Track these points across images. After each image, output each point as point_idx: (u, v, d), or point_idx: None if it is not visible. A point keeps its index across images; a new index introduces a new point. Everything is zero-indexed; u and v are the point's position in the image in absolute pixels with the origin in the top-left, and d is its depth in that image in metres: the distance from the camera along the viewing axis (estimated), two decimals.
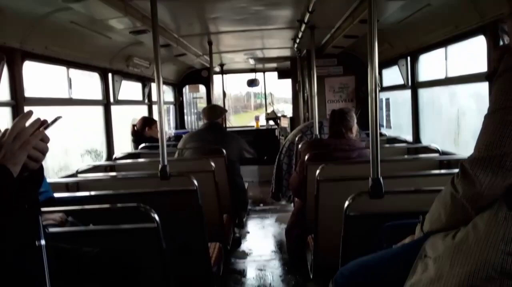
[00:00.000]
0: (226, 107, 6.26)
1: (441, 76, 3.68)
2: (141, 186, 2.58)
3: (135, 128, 4.97)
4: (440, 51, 3.65)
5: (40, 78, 3.35)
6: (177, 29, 4.19)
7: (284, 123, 7.03)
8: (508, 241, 1.17)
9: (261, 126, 8.19)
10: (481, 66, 2.94)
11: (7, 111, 2.75)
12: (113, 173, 3.55)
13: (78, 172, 3.30)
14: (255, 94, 10.47)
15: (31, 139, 1.14)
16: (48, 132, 1.22)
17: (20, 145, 1.12)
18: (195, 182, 2.50)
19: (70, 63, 3.50)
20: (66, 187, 3.02)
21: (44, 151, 1.19)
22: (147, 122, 4.98)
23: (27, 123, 1.18)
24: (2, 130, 1.18)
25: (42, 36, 2.93)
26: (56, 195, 2.38)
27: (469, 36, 3.08)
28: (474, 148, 1.28)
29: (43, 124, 1.20)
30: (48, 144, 1.21)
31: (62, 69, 3.48)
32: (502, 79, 1.23)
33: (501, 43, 2.63)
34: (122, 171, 3.57)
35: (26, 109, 2.74)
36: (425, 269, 1.34)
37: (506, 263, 1.16)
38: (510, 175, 1.20)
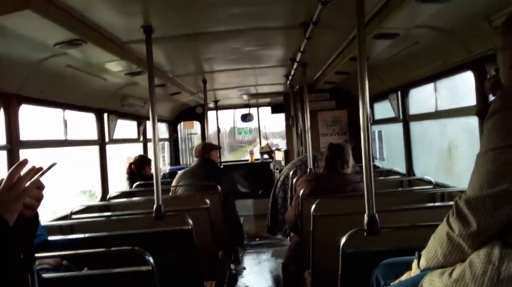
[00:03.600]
0: (221, 143, 6.29)
1: (432, 109, 3.74)
2: (136, 226, 2.56)
3: (132, 167, 4.96)
4: (430, 86, 3.73)
5: (35, 120, 3.38)
6: (172, 69, 4.27)
7: (279, 156, 7.05)
8: (504, 280, 1.18)
9: (255, 160, 8.21)
10: (470, 100, 2.99)
11: (2, 155, 2.76)
12: (108, 213, 3.52)
13: (72, 213, 3.28)
14: (238, 129, 10.52)
15: (27, 188, 1.15)
16: (43, 179, 1.23)
17: (16, 194, 1.13)
18: (190, 221, 2.49)
19: (65, 105, 3.54)
20: (60, 229, 2.99)
21: (39, 199, 1.20)
22: (145, 161, 4.99)
23: (23, 172, 1.18)
24: None
25: (38, 80, 2.97)
26: (50, 238, 2.36)
27: (457, 71, 3.15)
28: (468, 187, 1.29)
29: (38, 171, 1.21)
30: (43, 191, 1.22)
31: (57, 110, 3.51)
32: (494, 119, 1.25)
33: (486, 83, 2.68)
34: (116, 211, 3.54)
35: (22, 152, 2.78)
36: None
37: None
38: (504, 213, 1.21)
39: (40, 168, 1.21)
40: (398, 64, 3.88)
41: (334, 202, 2.86)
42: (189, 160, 7.89)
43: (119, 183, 4.90)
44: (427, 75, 3.59)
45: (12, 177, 1.15)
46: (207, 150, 4.31)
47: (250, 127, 9.79)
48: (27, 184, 1.15)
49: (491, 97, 2.70)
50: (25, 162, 1.19)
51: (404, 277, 1.60)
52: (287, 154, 6.77)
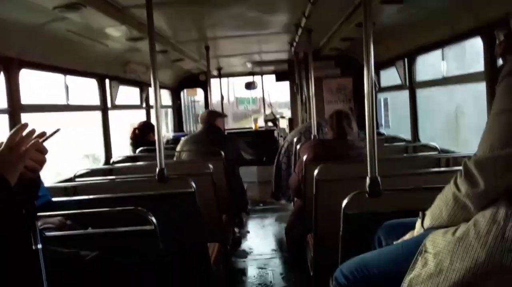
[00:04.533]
0: (226, 112, 6.28)
1: (439, 76, 3.69)
2: (139, 189, 2.58)
3: (136, 132, 4.96)
4: (437, 53, 3.67)
5: (37, 85, 3.36)
6: (173, 35, 4.21)
7: (283, 124, 7.04)
8: (509, 239, 1.18)
9: (259, 127, 8.20)
10: (478, 66, 2.94)
11: (4, 118, 2.76)
12: (111, 177, 3.55)
13: (75, 176, 3.30)
14: (239, 99, 10.41)
15: (27, 150, 1.17)
16: (47, 143, 1.23)
17: (17, 155, 1.15)
18: (193, 184, 2.51)
19: (67, 71, 3.51)
20: (64, 191, 3.02)
21: (41, 162, 1.22)
22: (149, 127, 4.98)
23: (24, 134, 1.20)
24: None
25: (39, 44, 2.94)
26: (54, 199, 2.38)
27: (465, 38, 3.10)
28: (478, 147, 1.28)
29: (42, 136, 1.22)
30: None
31: (59, 76, 3.49)
32: (507, 81, 1.24)
33: (496, 45, 2.64)
34: (120, 175, 3.56)
35: (23, 115, 2.79)
36: (425, 264, 1.34)
37: (506, 259, 1.17)
38: None
39: (44, 133, 1.23)
40: (405, 30, 3.81)
41: (337, 167, 2.86)
42: (192, 127, 7.91)
43: (123, 151, 4.91)
44: (434, 42, 3.53)
45: (12, 139, 1.17)
46: (213, 117, 4.29)
47: (253, 97, 9.68)
48: (28, 145, 1.16)
49: (500, 63, 2.66)
50: (25, 125, 1.21)
51: (407, 236, 1.62)
52: (292, 122, 6.76)
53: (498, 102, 1.25)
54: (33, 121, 1.28)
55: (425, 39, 3.65)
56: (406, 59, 4.28)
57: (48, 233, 1.87)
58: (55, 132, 1.26)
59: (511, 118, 1.21)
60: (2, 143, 1.18)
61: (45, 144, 1.24)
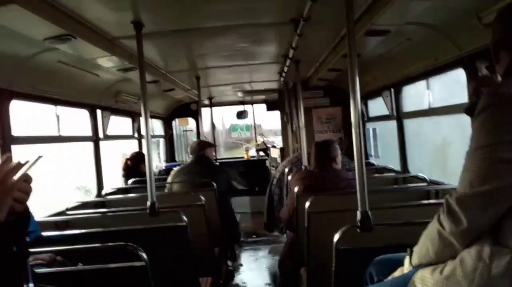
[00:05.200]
0: (217, 141, 6.30)
1: (425, 106, 3.76)
2: (131, 223, 2.56)
3: (128, 163, 4.94)
4: (423, 83, 3.75)
5: (28, 116, 3.36)
6: (164, 65, 4.26)
7: (274, 153, 7.06)
8: (495, 276, 1.19)
9: (251, 157, 8.21)
10: (463, 97, 3.01)
11: None
12: (103, 209, 3.52)
13: (67, 209, 3.27)
14: (233, 126, 10.43)
15: (15, 183, 1.14)
16: (30, 172, 1.22)
17: (4, 190, 1.12)
18: (185, 218, 2.50)
19: (58, 101, 3.51)
20: (55, 225, 2.99)
21: (28, 192, 1.19)
22: (141, 157, 4.97)
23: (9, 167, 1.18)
24: None
25: (30, 75, 2.95)
26: (45, 233, 2.36)
27: (449, 69, 3.16)
28: (459, 185, 1.29)
29: (25, 165, 1.21)
30: (32, 184, 1.22)
31: (50, 107, 3.50)
32: (483, 116, 1.25)
33: (480, 75, 2.71)
34: (112, 207, 3.54)
35: (14, 147, 2.77)
36: None
37: None
38: (495, 211, 1.22)
39: (26, 162, 1.21)
40: (390, 61, 3.89)
41: (329, 199, 2.87)
42: (184, 157, 7.88)
43: (114, 180, 4.88)
44: (419, 72, 3.60)
45: None
46: (202, 147, 4.31)
47: (247, 124, 9.74)
48: (14, 178, 1.15)
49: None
50: (10, 158, 1.18)
51: (397, 273, 1.62)
52: (283, 151, 6.78)
53: (474, 139, 1.26)
54: (24, 152, 1.27)
55: (409, 70, 3.73)
56: (392, 90, 4.36)
57: (38, 270, 1.85)
58: (37, 159, 1.23)
59: (487, 154, 1.22)
60: None
61: (29, 173, 1.21)
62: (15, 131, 2.86)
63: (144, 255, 1.82)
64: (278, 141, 9.09)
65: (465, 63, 2.81)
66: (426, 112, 3.78)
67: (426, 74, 3.54)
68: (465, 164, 1.28)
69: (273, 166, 6.88)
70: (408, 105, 4.28)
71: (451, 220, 1.28)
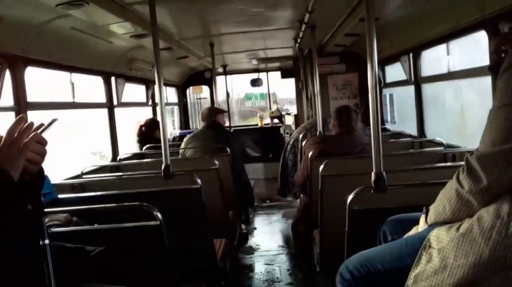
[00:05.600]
0: (231, 110, 6.29)
1: (444, 71, 3.67)
2: (146, 186, 2.59)
3: (143, 129, 4.99)
4: (442, 47, 3.64)
5: (43, 83, 3.38)
6: (178, 32, 4.21)
7: (289, 121, 7.04)
8: None
9: (265, 124, 8.20)
10: (484, 60, 2.92)
11: (10, 116, 2.78)
12: (118, 174, 3.57)
13: (83, 173, 3.33)
14: (246, 95, 10.31)
15: (27, 143, 1.15)
16: (45, 135, 1.23)
17: (17, 149, 1.13)
18: (199, 181, 2.52)
19: (72, 68, 3.53)
20: (72, 188, 3.05)
21: (42, 154, 1.20)
22: (156, 124, 5.00)
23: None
24: None
25: (44, 42, 2.95)
26: (61, 196, 2.40)
27: (470, 31, 3.07)
28: (480, 143, 1.27)
29: (39, 127, 1.22)
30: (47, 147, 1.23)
31: (64, 74, 3.51)
32: (508, 74, 1.22)
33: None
34: (127, 172, 3.59)
35: (29, 113, 2.80)
36: (429, 259, 1.34)
37: (510, 256, 1.17)
38: None
39: (42, 124, 1.22)
40: (409, 25, 3.79)
41: (343, 163, 2.86)
42: (198, 124, 7.91)
43: (130, 147, 4.94)
44: (439, 36, 3.50)
45: (11, 133, 1.15)
46: (213, 113, 4.31)
47: (262, 92, 9.64)
48: (28, 138, 1.16)
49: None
50: (23, 118, 1.19)
51: (411, 232, 1.61)
52: (297, 118, 6.75)
53: (499, 97, 1.23)
54: (39, 120, 1.27)
55: (429, 33, 3.63)
56: (411, 54, 4.26)
57: (54, 229, 1.89)
58: (52, 122, 1.23)
59: (510, 113, 1.19)
60: (1, 137, 1.16)
61: (47, 136, 1.22)
62: (31, 98, 2.89)
63: (159, 215, 1.84)
64: (293, 109, 9.05)
65: (487, 25, 2.72)
66: (445, 76, 3.70)
67: (446, 37, 3.45)
68: (488, 122, 1.26)
69: (287, 133, 6.87)
70: (426, 70, 4.19)
71: (470, 178, 1.27)
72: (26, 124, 1.18)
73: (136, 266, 1.65)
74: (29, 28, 2.73)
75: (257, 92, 9.79)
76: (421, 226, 1.55)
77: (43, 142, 1.20)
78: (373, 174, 2.08)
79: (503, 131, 1.20)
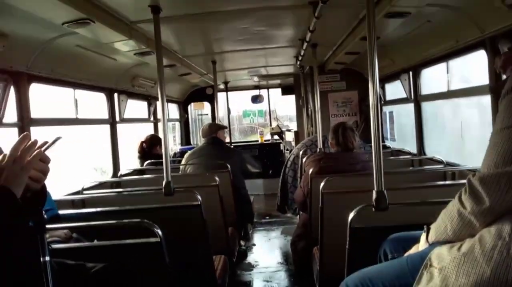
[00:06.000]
0: (232, 126, 6.31)
1: (443, 89, 3.70)
2: (146, 202, 2.60)
3: (144, 145, 5.00)
4: (442, 66, 3.68)
5: (47, 99, 3.41)
6: (181, 50, 4.27)
7: (289, 137, 7.06)
8: None
9: (265, 140, 8.22)
10: (483, 79, 2.95)
11: (14, 132, 2.80)
12: (119, 189, 3.58)
13: (83, 189, 3.33)
14: (244, 112, 10.26)
15: (30, 160, 1.16)
16: (49, 153, 1.24)
17: (21, 167, 1.15)
18: (199, 197, 2.52)
19: (76, 85, 3.57)
20: (72, 204, 3.05)
21: (45, 172, 1.21)
22: (156, 140, 5.02)
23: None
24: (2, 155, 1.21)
25: (48, 59, 2.99)
26: (62, 212, 2.40)
27: (469, 51, 3.11)
28: (482, 165, 1.28)
29: (43, 145, 1.23)
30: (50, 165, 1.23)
31: (68, 90, 3.54)
32: (510, 97, 1.23)
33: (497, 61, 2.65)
34: (127, 187, 3.59)
35: (33, 129, 2.82)
36: (430, 279, 1.33)
37: (511, 276, 1.16)
38: None
39: (45, 142, 1.23)
40: (409, 44, 3.83)
41: (343, 180, 2.86)
42: (199, 140, 7.94)
43: (130, 163, 4.94)
44: (439, 55, 3.55)
45: (15, 150, 1.17)
46: (214, 129, 4.32)
47: (260, 109, 9.64)
48: (31, 156, 1.17)
49: (504, 77, 2.67)
50: (27, 136, 1.20)
51: (412, 250, 1.61)
52: (297, 135, 6.77)
53: (501, 118, 1.24)
54: (42, 136, 1.29)
55: (429, 52, 3.67)
56: (410, 72, 4.30)
57: (54, 246, 1.88)
58: (56, 140, 1.26)
59: None
60: (5, 155, 1.18)
61: (50, 153, 1.24)
62: (34, 114, 2.91)
63: (159, 232, 1.84)
64: (293, 126, 9.08)
65: (487, 45, 2.76)
66: (444, 94, 3.72)
67: (446, 56, 3.48)
68: (490, 144, 1.27)
69: (287, 150, 6.88)
70: (426, 89, 4.22)
71: (473, 199, 1.27)
72: (30, 142, 1.19)
73: (136, 283, 1.64)
74: (35, 46, 2.77)
75: (255, 109, 9.80)
76: (422, 245, 1.55)
77: (46, 160, 1.22)
78: (374, 192, 2.08)
79: (505, 153, 1.21)
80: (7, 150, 1.21)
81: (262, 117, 10.29)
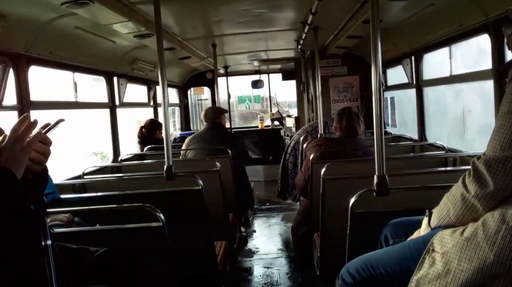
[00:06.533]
0: (232, 112, 6.28)
1: (446, 74, 3.67)
2: (147, 187, 2.59)
3: (143, 130, 4.99)
4: (444, 51, 3.64)
5: (46, 82, 3.39)
6: (181, 32, 4.22)
7: (290, 123, 7.04)
8: None
9: (265, 126, 8.20)
10: (486, 63, 2.93)
11: (13, 115, 2.79)
12: (119, 174, 3.57)
13: (84, 174, 3.33)
14: (239, 97, 9.93)
15: (31, 141, 1.15)
16: (52, 136, 1.23)
17: (21, 147, 1.13)
18: (201, 182, 2.51)
19: (75, 68, 3.54)
20: (73, 188, 3.05)
21: (46, 154, 1.20)
22: (156, 124, 5.01)
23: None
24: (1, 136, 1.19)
25: (47, 41, 2.96)
26: (63, 196, 2.40)
27: (473, 35, 3.08)
28: (488, 147, 1.27)
29: (45, 127, 1.21)
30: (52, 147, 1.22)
31: (68, 73, 3.52)
32: None
33: (505, 40, 2.62)
34: (128, 172, 3.59)
35: (32, 113, 2.81)
36: (432, 263, 1.34)
37: None
38: None
39: (47, 124, 1.22)
40: (412, 28, 3.79)
41: (344, 166, 2.85)
42: (199, 125, 7.94)
43: (130, 148, 4.94)
44: (441, 39, 3.50)
45: (15, 131, 1.15)
46: (218, 114, 4.28)
47: (256, 95, 9.47)
48: (31, 137, 1.16)
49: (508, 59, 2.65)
50: (27, 117, 1.18)
51: (414, 235, 1.61)
52: (298, 121, 6.75)
53: (508, 100, 1.23)
54: (42, 119, 1.27)
55: (432, 36, 3.63)
56: (412, 57, 4.26)
57: (56, 230, 1.89)
58: (58, 122, 1.24)
59: None
60: (5, 136, 1.17)
61: (50, 136, 1.22)
62: (34, 97, 2.89)
63: (162, 216, 1.84)
64: (293, 112, 9.04)
65: (491, 28, 2.73)
66: (447, 79, 3.69)
67: (449, 40, 3.44)
68: (496, 127, 1.26)
69: (287, 136, 6.87)
70: (428, 74, 4.19)
71: (477, 183, 1.27)
72: (30, 122, 1.18)
73: (138, 267, 1.65)
74: (34, 27, 2.73)
75: (251, 95, 9.62)
76: (423, 229, 1.55)
77: (47, 142, 1.20)
78: (375, 177, 2.08)
79: (511, 136, 1.20)
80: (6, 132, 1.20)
81: (259, 103, 10.10)
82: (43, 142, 1.19)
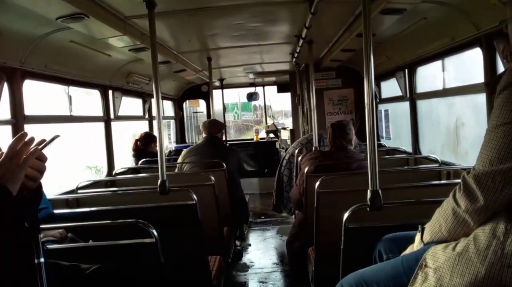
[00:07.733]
0: (227, 124, 6.27)
1: (439, 87, 3.70)
2: (141, 201, 2.58)
3: (138, 143, 4.98)
4: (437, 64, 3.68)
5: (40, 96, 3.39)
6: (176, 46, 4.24)
7: (285, 135, 7.05)
8: (508, 254, 1.17)
9: (261, 139, 8.21)
10: (478, 77, 2.95)
11: (7, 129, 2.78)
12: (113, 189, 3.56)
13: (78, 188, 3.31)
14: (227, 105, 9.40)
15: (27, 158, 1.16)
16: (46, 151, 1.23)
17: (17, 164, 1.14)
18: (194, 196, 2.51)
19: (70, 81, 3.54)
20: (66, 203, 3.03)
21: (41, 170, 1.21)
22: (151, 138, 5.00)
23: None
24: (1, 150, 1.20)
25: (42, 55, 2.96)
26: (56, 211, 2.39)
27: (465, 48, 3.12)
28: (477, 162, 1.27)
29: (40, 143, 1.22)
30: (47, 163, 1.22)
31: (62, 87, 3.52)
32: (505, 94, 1.22)
33: (497, 54, 2.66)
34: (122, 186, 3.57)
35: (26, 127, 2.80)
36: (425, 279, 1.34)
37: (506, 276, 1.16)
38: None
39: (43, 140, 1.22)
40: (405, 41, 3.83)
41: (339, 179, 2.85)
42: (194, 138, 7.94)
43: (124, 161, 4.92)
44: (434, 52, 3.55)
45: (12, 148, 1.16)
46: (215, 128, 4.28)
47: (244, 102, 9.20)
48: (27, 153, 1.16)
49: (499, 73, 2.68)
50: (24, 134, 1.20)
51: (407, 250, 1.61)
52: (293, 133, 6.77)
53: (496, 115, 1.23)
54: (36, 133, 1.28)
55: (424, 50, 3.67)
56: (406, 70, 4.30)
57: (49, 246, 1.87)
58: (53, 139, 1.25)
59: (507, 132, 1.19)
60: (2, 153, 1.18)
61: (45, 151, 1.23)
62: (28, 111, 2.89)
63: (155, 232, 1.83)
64: (288, 123, 9.05)
65: (483, 42, 2.77)
66: (440, 92, 3.73)
67: (441, 54, 3.49)
68: (485, 141, 1.26)
69: (282, 148, 6.87)
70: (422, 86, 4.22)
71: (467, 198, 1.27)
72: (27, 139, 1.18)
73: (131, 284, 1.64)
74: (28, 41, 2.75)
75: (238, 102, 9.36)
76: (416, 245, 1.55)
77: (43, 159, 1.21)
78: (368, 191, 2.08)
79: (500, 150, 1.21)
80: (3, 149, 1.20)
81: (250, 112, 9.92)
82: (39, 159, 1.20)
